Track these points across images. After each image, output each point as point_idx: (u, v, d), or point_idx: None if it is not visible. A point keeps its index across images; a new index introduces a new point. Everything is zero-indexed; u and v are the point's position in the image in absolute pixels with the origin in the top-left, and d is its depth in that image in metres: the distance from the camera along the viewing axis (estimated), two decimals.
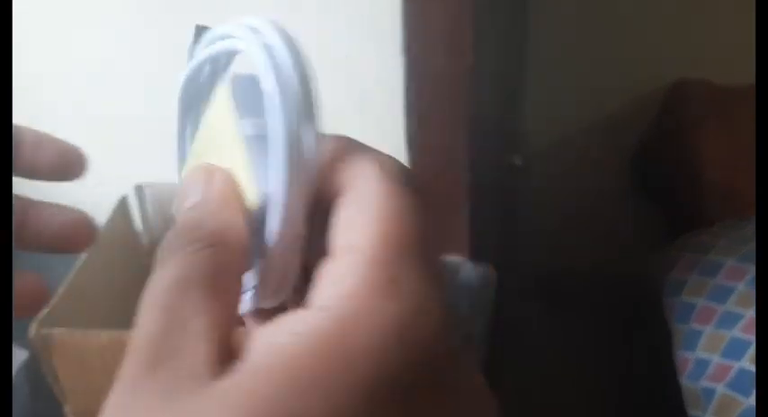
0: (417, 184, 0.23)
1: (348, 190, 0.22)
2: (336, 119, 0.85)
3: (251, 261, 0.22)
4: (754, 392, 0.94)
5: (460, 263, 0.84)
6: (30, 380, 0.73)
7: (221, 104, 0.25)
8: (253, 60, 0.24)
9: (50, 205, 0.31)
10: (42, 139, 0.31)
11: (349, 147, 0.24)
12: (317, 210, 0.23)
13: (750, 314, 1.02)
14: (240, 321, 0.23)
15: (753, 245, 1.14)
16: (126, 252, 0.62)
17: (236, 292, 0.22)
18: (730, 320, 1.03)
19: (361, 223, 0.21)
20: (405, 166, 0.23)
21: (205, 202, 0.23)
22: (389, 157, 0.23)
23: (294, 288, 0.23)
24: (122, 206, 0.62)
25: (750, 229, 1.21)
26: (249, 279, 0.23)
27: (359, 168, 0.23)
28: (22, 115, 0.89)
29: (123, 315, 0.63)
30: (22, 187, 0.98)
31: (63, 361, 0.54)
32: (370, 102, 0.75)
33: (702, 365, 1.02)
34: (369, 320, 0.18)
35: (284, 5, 0.70)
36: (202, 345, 0.19)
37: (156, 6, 0.73)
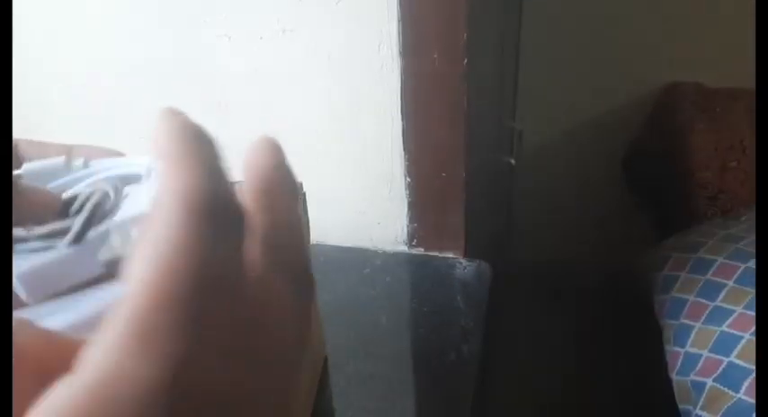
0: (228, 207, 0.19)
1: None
2: (334, 119, 0.86)
3: None
4: (743, 386, 0.96)
5: (455, 260, 0.85)
6: None
7: None
8: None
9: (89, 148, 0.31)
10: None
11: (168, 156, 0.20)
12: None
13: (739, 310, 1.04)
14: None
15: (741, 244, 1.16)
16: None
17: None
18: (720, 316, 1.05)
19: (136, 258, 0.18)
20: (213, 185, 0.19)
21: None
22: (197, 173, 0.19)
23: None
24: None
25: (738, 228, 1.23)
26: None
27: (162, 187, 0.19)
28: (26, 119, 0.90)
29: None
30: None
31: None
32: (366, 102, 0.76)
33: (692, 360, 1.04)
34: (118, 386, 0.16)
35: (284, 8, 0.72)
36: None
37: (158, 9, 0.74)
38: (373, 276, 0.84)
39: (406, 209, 0.85)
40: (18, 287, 0.23)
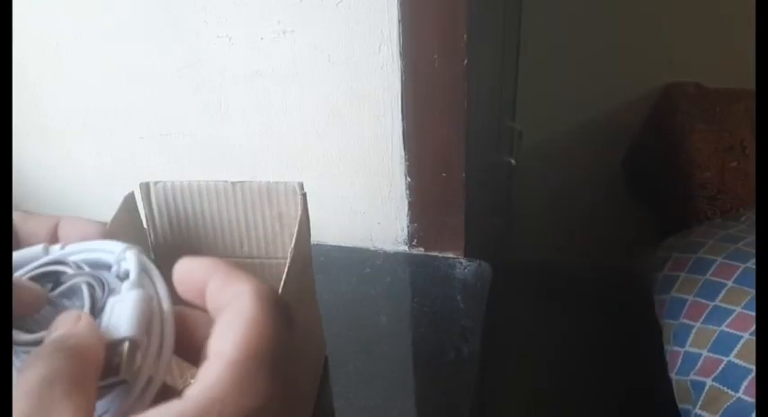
0: (285, 305, 0.27)
1: (227, 309, 0.26)
2: (334, 120, 0.87)
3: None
4: (743, 385, 0.96)
5: (456, 260, 0.86)
6: None
7: None
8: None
9: (74, 219, 0.34)
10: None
11: (231, 272, 0.27)
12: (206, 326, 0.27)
13: (739, 309, 1.04)
14: None
15: (741, 244, 1.17)
16: None
17: (92, 394, 0.24)
18: (719, 316, 1.06)
19: (230, 333, 0.25)
20: (275, 290, 0.27)
21: (70, 331, 0.26)
22: (263, 283, 0.27)
23: None
24: (128, 203, 0.63)
25: (738, 228, 1.24)
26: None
27: (237, 291, 0.26)
28: (28, 122, 0.91)
29: None
30: (25, 188, 0.99)
31: None
32: (367, 102, 0.76)
33: (692, 359, 1.04)
34: (220, 408, 0.23)
35: (284, 9, 0.72)
36: None
37: (158, 10, 0.74)
38: (373, 276, 0.84)
39: (406, 209, 0.85)
40: None
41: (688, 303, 1.12)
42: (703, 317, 1.07)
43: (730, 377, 0.98)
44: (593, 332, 1.72)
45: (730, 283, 1.09)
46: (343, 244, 0.88)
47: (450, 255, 0.87)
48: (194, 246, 0.67)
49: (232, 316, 0.25)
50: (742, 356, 0.98)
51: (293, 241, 0.58)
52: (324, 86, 0.77)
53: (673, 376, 1.07)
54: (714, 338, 1.03)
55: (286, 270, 0.55)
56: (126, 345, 0.26)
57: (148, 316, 0.27)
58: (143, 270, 0.29)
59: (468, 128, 0.77)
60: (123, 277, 0.29)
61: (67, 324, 0.26)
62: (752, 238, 1.17)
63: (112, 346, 0.26)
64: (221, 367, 0.24)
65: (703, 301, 1.10)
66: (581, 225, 1.89)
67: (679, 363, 1.06)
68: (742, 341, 1.00)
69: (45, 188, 0.96)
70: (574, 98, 1.75)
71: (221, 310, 0.26)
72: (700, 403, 0.99)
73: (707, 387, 0.99)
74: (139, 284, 0.29)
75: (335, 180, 0.84)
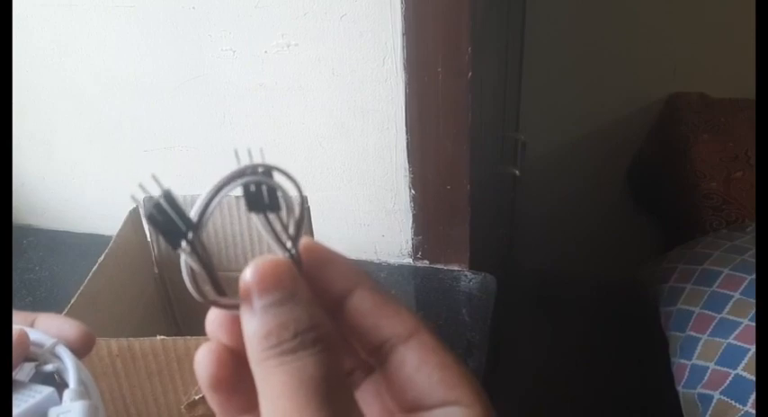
0: None
1: (409, 339, 0.24)
2: (339, 133, 0.87)
3: None
4: (751, 399, 0.95)
5: (461, 272, 0.85)
6: None
7: None
8: None
9: (51, 317, 0.32)
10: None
11: (384, 294, 0.25)
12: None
13: (746, 322, 1.03)
14: None
15: (747, 255, 1.16)
16: (136, 262, 0.64)
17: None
18: (726, 328, 1.05)
19: (457, 381, 0.24)
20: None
21: (300, 302, 0.23)
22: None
23: None
24: (133, 216, 0.63)
25: (743, 239, 1.23)
26: None
27: (412, 324, 0.25)
28: (35, 136, 0.91)
29: (133, 324, 0.65)
30: (29, 201, 0.98)
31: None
32: (371, 115, 0.76)
33: (699, 372, 1.03)
34: None
35: (288, 22, 0.72)
36: None
37: (163, 24, 0.74)
38: None
39: (410, 222, 0.85)
40: None
41: (694, 315, 1.11)
42: (710, 330, 1.06)
43: (738, 390, 0.97)
44: (599, 345, 1.71)
45: (737, 295, 1.09)
46: (347, 257, 0.88)
47: (455, 268, 0.86)
48: None
49: (432, 360, 0.24)
50: (749, 369, 0.97)
51: None
52: (328, 99, 0.77)
53: (680, 389, 1.06)
54: (721, 351, 1.02)
55: None
56: None
57: None
58: (78, 373, 0.29)
59: (472, 140, 0.76)
60: (56, 378, 0.29)
61: (285, 287, 0.23)
62: None
63: None
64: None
65: (710, 313, 1.09)
66: (586, 236, 1.88)
67: (686, 376, 1.05)
68: (749, 354, 0.99)
69: (49, 201, 0.96)
70: (577, 109, 1.75)
71: (386, 339, 0.24)
72: (707, 416, 0.98)
73: (714, 401, 0.98)
74: (81, 393, 0.28)
75: (339, 192, 0.84)
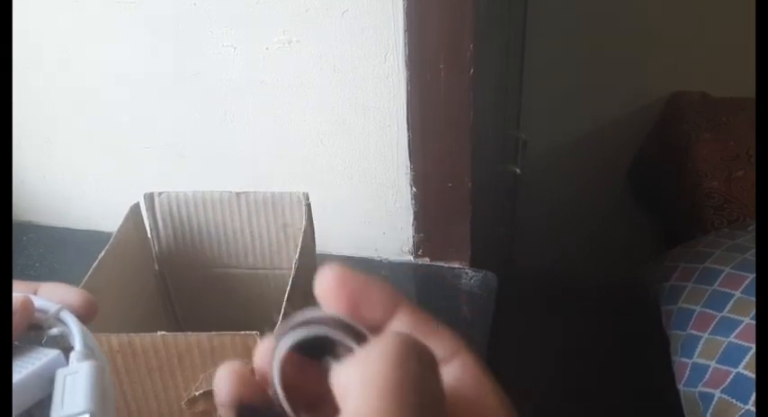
0: None
1: (450, 360, 0.25)
2: (340, 130, 0.86)
3: None
4: (752, 397, 0.95)
5: (461, 270, 0.85)
6: None
7: None
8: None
9: (54, 285, 0.32)
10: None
11: (426, 318, 0.26)
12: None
13: (747, 320, 1.03)
14: None
15: (748, 254, 1.16)
16: (137, 259, 0.64)
17: None
18: (727, 326, 1.05)
19: (491, 403, 0.24)
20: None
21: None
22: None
23: None
24: (133, 213, 0.63)
25: (745, 238, 1.23)
26: None
27: (453, 345, 0.25)
28: (36, 133, 0.91)
29: (134, 320, 0.65)
30: (29, 199, 0.98)
31: None
32: (372, 112, 0.76)
33: (700, 371, 1.03)
34: None
35: (290, 19, 0.72)
36: None
37: (164, 21, 0.74)
38: None
39: (411, 219, 0.85)
40: None
41: (695, 314, 1.11)
42: (711, 328, 1.06)
43: (739, 388, 0.97)
44: (600, 343, 1.70)
45: (738, 294, 1.09)
46: (348, 254, 0.88)
47: (456, 265, 0.86)
48: (199, 257, 0.67)
49: (473, 382, 0.24)
50: (750, 367, 0.97)
51: (298, 251, 0.57)
52: (329, 96, 0.77)
53: (681, 387, 1.06)
54: (722, 349, 1.02)
55: (291, 280, 0.55)
56: None
57: (103, 390, 0.27)
58: (84, 336, 0.29)
59: (473, 138, 0.76)
60: (61, 342, 0.29)
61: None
62: None
63: None
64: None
65: (711, 312, 1.09)
66: (587, 235, 1.88)
67: (687, 375, 1.05)
68: (750, 353, 0.99)
69: (50, 199, 0.96)
70: (579, 107, 1.74)
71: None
72: (708, 415, 0.98)
73: (715, 399, 0.98)
74: (87, 354, 0.28)
75: (340, 190, 0.84)
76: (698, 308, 1.11)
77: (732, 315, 1.06)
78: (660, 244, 1.52)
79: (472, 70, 0.70)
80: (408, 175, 0.81)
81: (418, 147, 0.78)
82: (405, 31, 0.70)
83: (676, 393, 1.08)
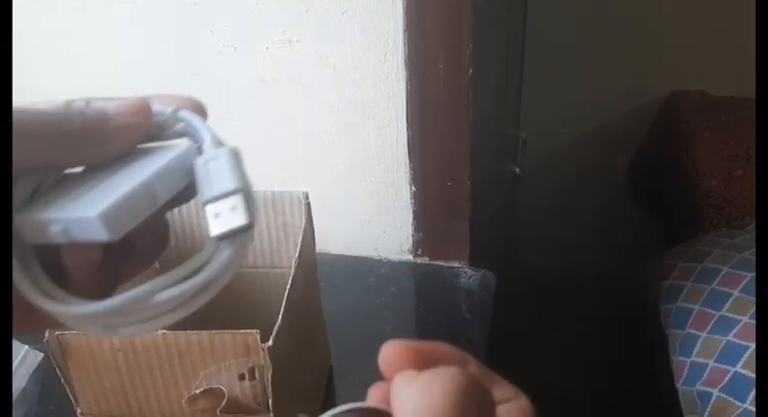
0: None
1: (506, 402, 0.26)
2: (339, 129, 0.87)
3: None
4: (750, 396, 0.95)
5: (461, 269, 0.86)
6: (42, 383, 0.74)
7: None
8: None
9: (162, 95, 0.30)
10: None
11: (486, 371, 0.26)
12: None
13: (745, 319, 1.04)
14: None
15: (747, 253, 1.16)
16: None
17: None
18: (725, 326, 1.05)
19: None
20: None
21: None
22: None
23: None
24: None
25: (744, 237, 1.23)
26: None
27: (509, 386, 0.26)
28: None
29: None
30: None
31: (77, 363, 0.56)
32: (372, 112, 0.76)
33: (698, 369, 1.03)
34: None
35: (290, 18, 0.72)
36: None
37: (164, 20, 0.75)
38: (378, 285, 0.84)
39: (411, 218, 0.85)
40: (97, 226, 0.24)
41: (694, 313, 1.11)
42: (709, 327, 1.07)
43: (737, 387, 0.97)
44: (598, 342, 1.71)
45: (736, 293, 1.09)
46: (347, 253, 0.88)
47: (455, 264, 0.86)
48: None
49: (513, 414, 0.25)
50: (749, 366, 0.98)
51: (298, 250, 0.58)
52: (329, 95, 0.77)
53: (679, 386, 1.07)
54: (720, 348, 1.02)
55: (290, 279, 0.55)
56: (241, 195, 0.26)
57: (243, 168, 0.27)
58: (209, 128, 0.28)
59: (473, 137, 0.77)
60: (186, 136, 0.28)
61: None
62: None
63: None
64: None
65: (709, 311, 1.09)
66: (586, 234, 1.88)
67: (685, 373, 1.06)
68: (749, 352, 0.99)
69: None
70: (578, 107, 1.75)
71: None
72: (706, 413, 0.98)
73: (714, 398, 0.99)
74: (220, 141, 0.27)
75: (340, 189, 0.84)
76: (696, 307, 1.12)
77: (730, 314, 1.06)
78: (659, 244, 1.52)
79: (471, 70, 0.70)
80: (408, 174, 0.81)
81: (418, 147, 0.78)
82: (404, 31, 0.70)
83: (675, 391, 1.08)
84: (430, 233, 0.86)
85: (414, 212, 0.84)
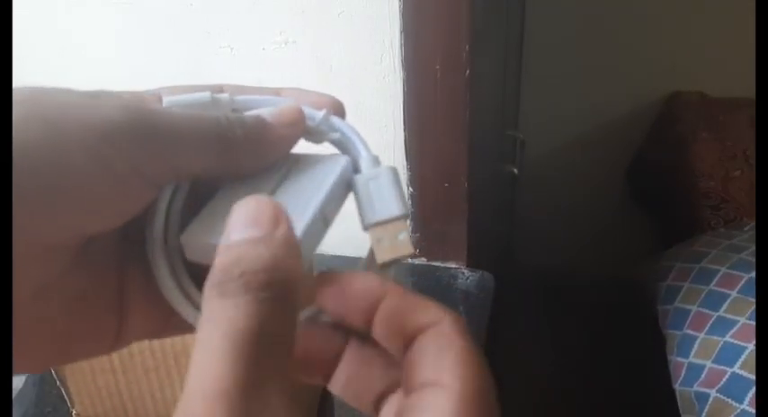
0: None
1: (426, 334, 0.23)
2: None
3: None
4: (747, 397, 0.95)
5: (458, 270, 0.85)
6: (38, 384, 0.74)
7: None
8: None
9: (294, 89, 0.29)
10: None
11: (409, 294, 0.24)
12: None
13: (743, 320, 1.04)
14: None
15: (745, 254, 1.16)
16: None
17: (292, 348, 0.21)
18: (723, 326, 1.05)
19: (447, 363, 0.22)
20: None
21: (270, 242, 0.21)
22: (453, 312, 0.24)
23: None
24: None
25: (742, 238, 1.23)
26: None
27: (435, 316, 0.23)
28: None
29: None
30: None
31: (72, 365, 0.56)
32: (369, 113, 0.76)
33: (696, 370, 1.03)
34: None
35: (287, 19, 0.72)
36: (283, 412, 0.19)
37: (160, 21, 0.74)
38: None
39: (408, 219, 0.85)
40: None
41: (692, 313, 1.11)
42: (707, 328, 1.07)
43: (735, 388, 0.97)
44: (596, 343, 1.71)
45: (734, 293, 1.09)
46: (343, 254, 0.88)
47: (453, 265, 0.86)
48: None
49: (440, 344, 0.22)
50: (746, 367, 0.97)
51: None
52: None
53: (676, 387, 1.07)
54: (718, 349, 1.02)
55: None
56: (407, 222, 0.24)
57: (403, 191, 0.25)
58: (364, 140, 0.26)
59: (470, 138, 0.76)
60: (341, 148, 0.27)
61: (263, 226, 0.21)
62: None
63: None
64: (454, 402, 0.21)
65: (707, 311, 1.09)
66: (584, 235, 1.88)
67: (683, 374, 1.06)
68: (746, 353, 0.99)
69: None
70: (577, 107, 1.75)
71: (412, 334, 0.23)
72: (704, 414, 0.98)
73: (711, 399, 0.99)
74: (376, 159, 0.26)
75: None
76: (694, 308, 1.12)
77: (728, 315, 1.06)
78: (658, 244, 1.52)
79: (468, 71, 0.70)
80: (405, 175, 0.81)
81: (415, 148, 0.78)
82: (401, 32, 0.70)
83: (672, 392, 1.08)
84: (427, 234, 0.85)
85: (411, 213, 0.84)
